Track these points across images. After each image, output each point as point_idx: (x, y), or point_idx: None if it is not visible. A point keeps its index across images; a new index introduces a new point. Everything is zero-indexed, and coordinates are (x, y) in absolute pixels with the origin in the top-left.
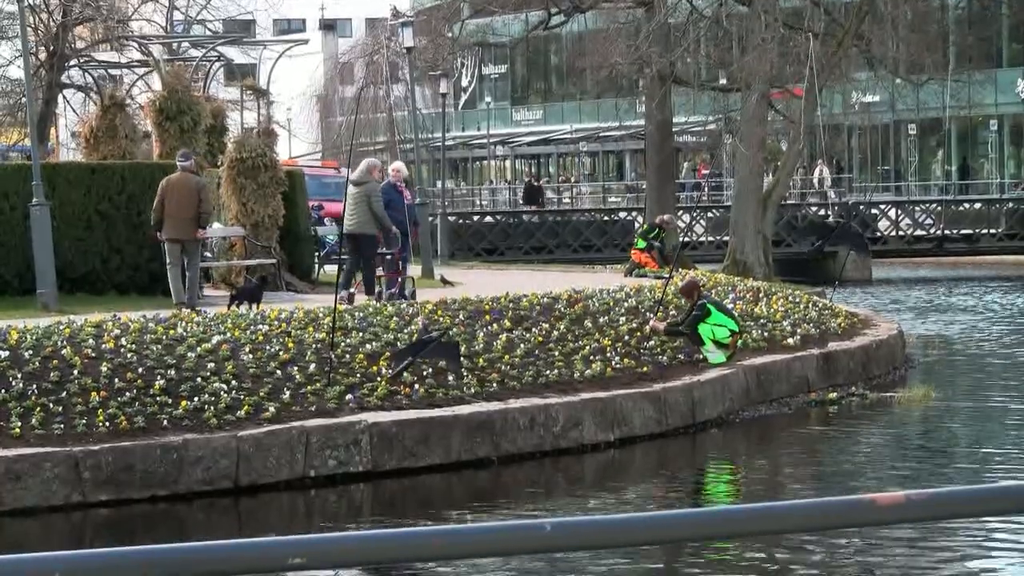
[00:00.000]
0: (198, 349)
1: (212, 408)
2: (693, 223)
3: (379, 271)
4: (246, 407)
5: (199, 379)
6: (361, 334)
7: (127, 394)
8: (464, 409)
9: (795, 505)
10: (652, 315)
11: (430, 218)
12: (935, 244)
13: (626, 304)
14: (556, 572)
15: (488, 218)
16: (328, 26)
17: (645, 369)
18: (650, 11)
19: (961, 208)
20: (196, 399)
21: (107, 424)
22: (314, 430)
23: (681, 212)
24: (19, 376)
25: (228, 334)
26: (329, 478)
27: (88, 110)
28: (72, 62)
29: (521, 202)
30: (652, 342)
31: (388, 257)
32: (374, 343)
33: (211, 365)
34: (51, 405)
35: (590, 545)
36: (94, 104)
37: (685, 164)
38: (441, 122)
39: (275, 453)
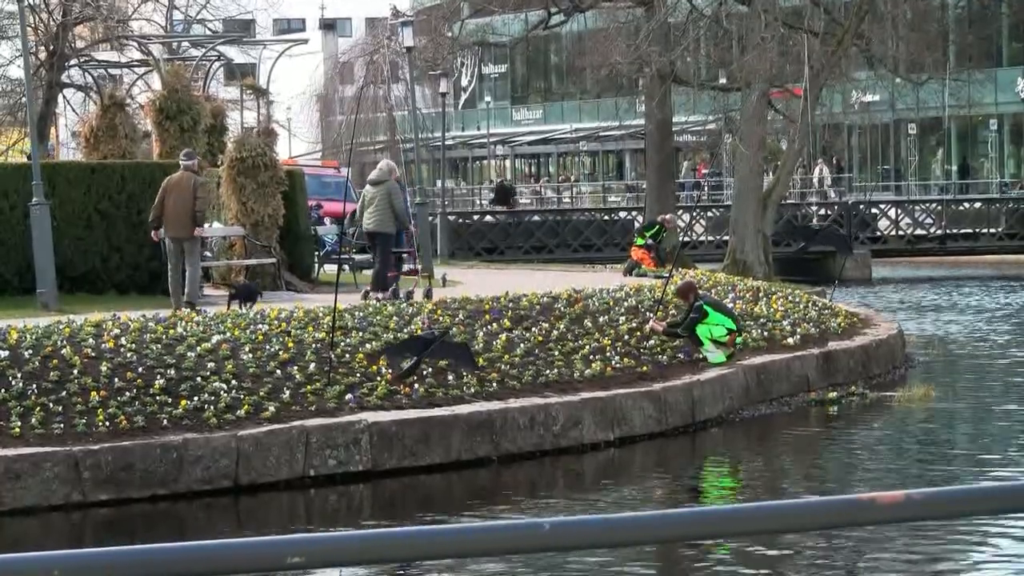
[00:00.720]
0: (198, 349)
1: (212, 408)
2: (693, 222)
3: (406, 265)
4: (246, 407)
5: (199, 379)
6: (361, 334)
7: (127, 393)
8: (464, 408)
9: (795, 504)
10: (652, 315)
11: (430, 218)
12: (935, 243)
13: (626, 304)
14: (556, 572)
15: (488, 217)
16: (328, 25)
17: (645, 368)
18: (650, 10)
19: (961, 207)
20: (196, 399)
21: (107, 423)
22: (314, 430)
23: (681, 211)
24: (19, 376)
25: (228, 334)
26: (329, 477)
27: (88, 110)
28: (72, 62)
29: (487, 203)
30: (652, 341)
31: (404, 255)
32: (374, 343)
33: (211, 365)
34: (51, 404)
35: (589, 545)
36: (94, 104)
37: (685, 163)
38: (441, 122)
39: (275, 452)
